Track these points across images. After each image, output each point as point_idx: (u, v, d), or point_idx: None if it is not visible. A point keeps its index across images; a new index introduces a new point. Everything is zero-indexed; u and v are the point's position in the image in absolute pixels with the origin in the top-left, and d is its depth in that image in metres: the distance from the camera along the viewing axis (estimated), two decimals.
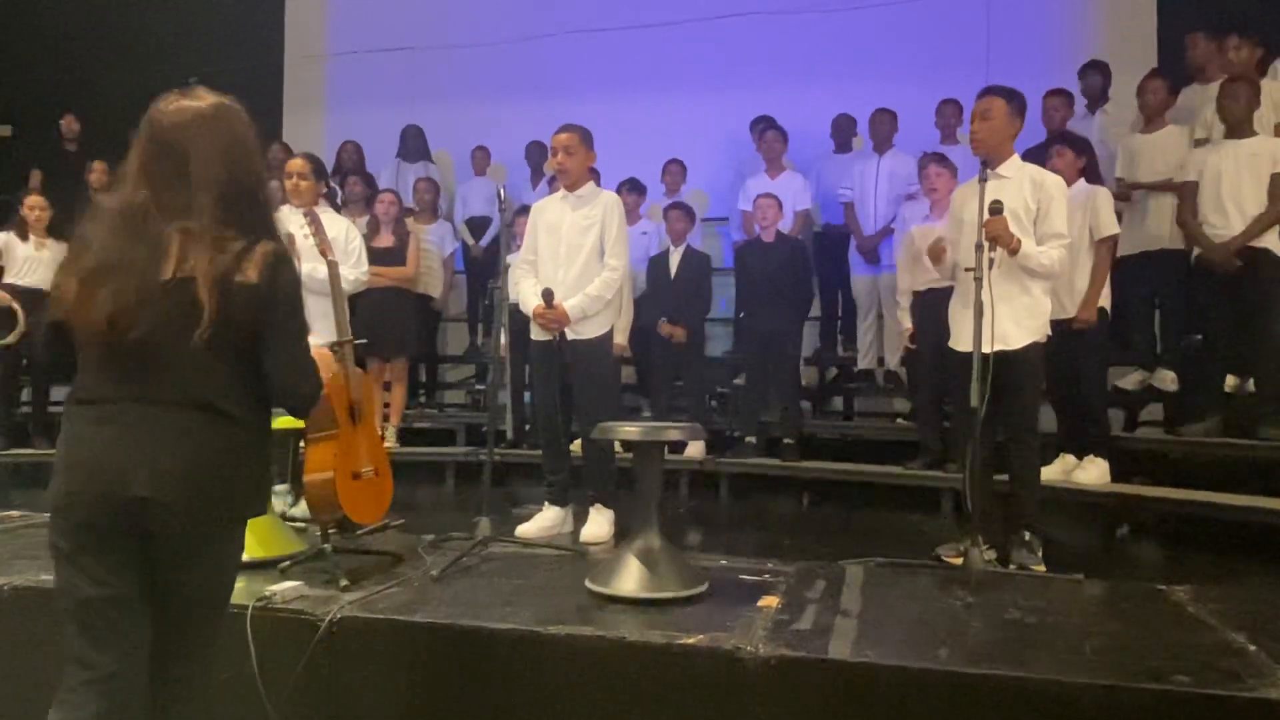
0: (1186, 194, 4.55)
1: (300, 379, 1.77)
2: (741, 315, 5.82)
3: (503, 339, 3.66)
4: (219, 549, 1.74)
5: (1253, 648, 2.16)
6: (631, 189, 6.16)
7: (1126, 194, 4.89)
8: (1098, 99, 5.41)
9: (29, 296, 5.58)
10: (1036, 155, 4.53)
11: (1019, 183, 3.44)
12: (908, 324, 5.07)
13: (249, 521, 2.93)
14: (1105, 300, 4.35)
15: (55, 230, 6.03)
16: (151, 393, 1.65)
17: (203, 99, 1.75)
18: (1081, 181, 4.35)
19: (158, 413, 1.65)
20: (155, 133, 1.71)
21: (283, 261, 1.72)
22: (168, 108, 1.72)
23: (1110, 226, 4.28)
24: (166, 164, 1.68)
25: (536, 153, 6.99)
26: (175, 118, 1.71)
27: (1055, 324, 4.19)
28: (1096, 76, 5.39)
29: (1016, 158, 3.53)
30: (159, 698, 1.73)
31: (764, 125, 6.33)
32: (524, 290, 3.96)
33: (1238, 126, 4.37)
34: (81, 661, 1.63)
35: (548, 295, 3.75)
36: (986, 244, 3.13)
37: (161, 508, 1.61)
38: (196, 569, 1.70)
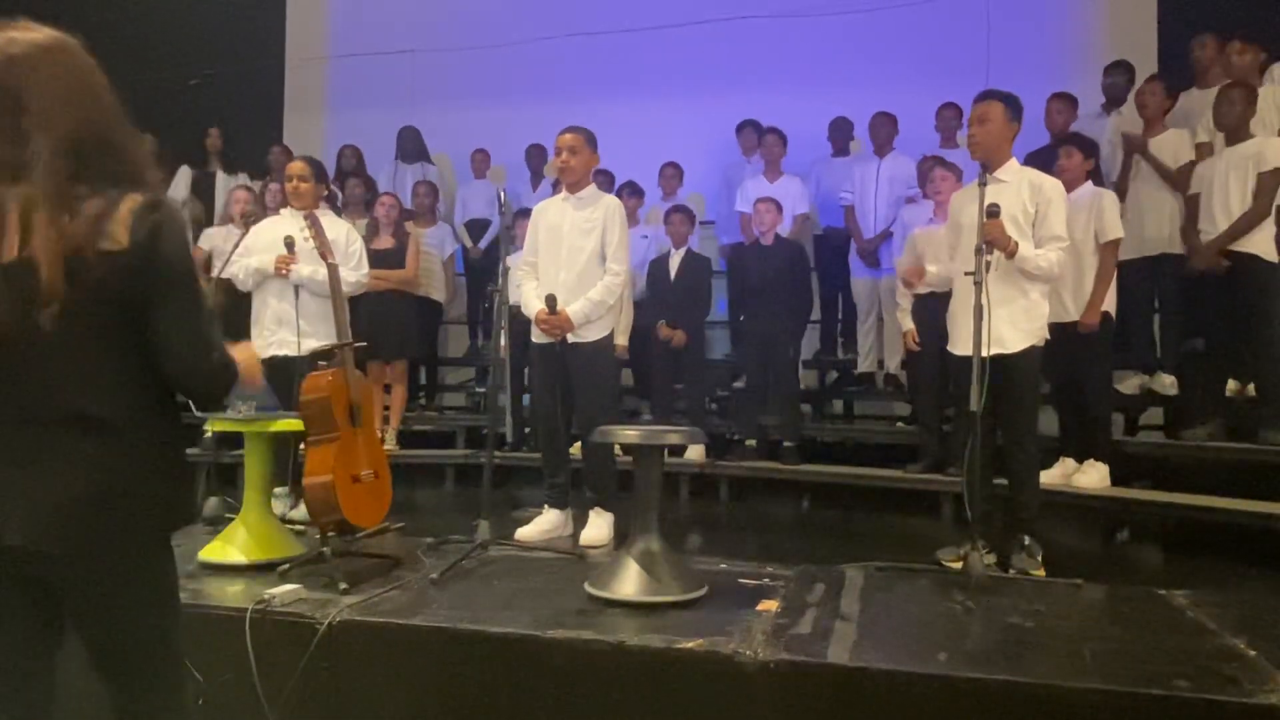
0: (1192, 208, 4.55)
1: (198, 354, 1.43)
2: (741, 318, 5.82)
3: (503, 341, 3.66)
4: (138, 585, 1.44)
5: (1252, 652, 2.16)
6: (631, 192, 6.16)
7: (1140, 146, 4.80)
8: (1119, 99, 5.36)
9: None
10: (1041, 158, 4.54)
11: (1017, 186, 3.45)
12: (908, 325, 5.07)
13: (249, 524, 2.97)
14: (1111, 304, 4.34)
15: None
16: (13, 410, 1.35)
17: (36, 29, 1.41)
18: (1088, 184, 4.35)
19: (24, 435, 1.35)
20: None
21: (159, 214, 1.38)
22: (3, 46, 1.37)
23: (1115, 230, 4.27)
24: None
25: (537, 156, 7.00)
26: (3, 52, 1.37)
27: (1059, 327, 4.22)
28: (1121, 76, 5.33)
29: (1014, 161, 3.53)
30: None
31: (751, 128, 6.34)
32: (526, 293, 3.96)
33: (1233, 133, 4.38)
34: None
35: (551, 301, 3.75)
36: (984, 247, 3.13)
37: (38, 557, 1.34)
38: (117, 613, 1.42)
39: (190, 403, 1.62)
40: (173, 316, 1.40)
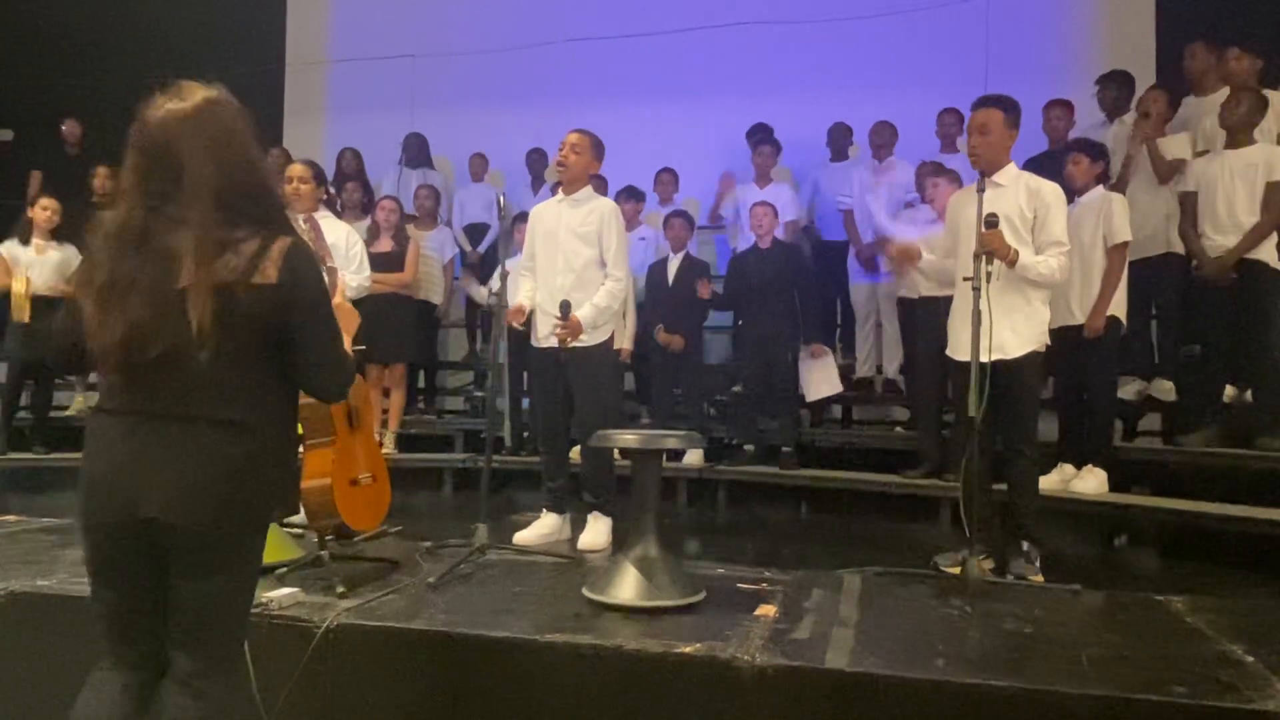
0: (1187, 204, 4.55)
1: (336, 374, 1.76)
2: (740, 323, 5.82)
3: (502, 346, 3.66)
4: (235, 559, 1.71)
5: (1250, 659, 2.16)
6: (629, 196, 6.17)
7: (1149, 137, 4.74)
8: (1117, 109, 5.34)
9: (34, 302, 5.59)
10: (1041, 164, 4.53)
11: (1015, 191, 3.45)
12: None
13: None
14: (1120, 308, 4.32)
15: (58, 234, 6.03)
16: (167, 408, 1.64)
17: (187, 98, 1.67)
18: (1099, 188, 4.35)
19: (171, 429, 1.63)
20: (143, 142, 1.66)
21: (301, 255, 1.68)
22: (154, 114, 1.66)
23: (1123, 233, 4.25)
24: (160, 174, 1.64)
25: (537, 160, 7.00)
26: (161, 124, 1.65)
27: (1066, 330, 4.22)
28: (1113, 88, 5.32)
29: (1013, 166, 3.53)
30: (167, 694, 1.69)
31: (760, 136, 6.35)
32: (522, 292, 3.96)
33: (1237, 136, 4.38)
34: (112, 654, 1.71)
35: (565, 307, 3.74)
36: (984, 257, 3.13)
37: (170, 528, 1.61)
38: (212, 579, 1.68)
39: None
40: (315, 339, 1.71)
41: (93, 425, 1.68)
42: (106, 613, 1.70)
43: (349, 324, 2.02)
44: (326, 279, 3.20)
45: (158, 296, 1.59)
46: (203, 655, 1.68)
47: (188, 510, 1.61)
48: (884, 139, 5.93)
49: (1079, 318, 4.28)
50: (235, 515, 1.66)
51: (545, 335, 3.91)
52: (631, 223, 5.99)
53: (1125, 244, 4.28)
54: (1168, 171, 4.64)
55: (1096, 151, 4.39)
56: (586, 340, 3.86)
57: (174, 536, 1.62)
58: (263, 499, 1.72)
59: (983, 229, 3.17)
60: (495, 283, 3.98)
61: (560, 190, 3.99)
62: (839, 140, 6.32)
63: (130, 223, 1.64)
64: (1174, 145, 4.71)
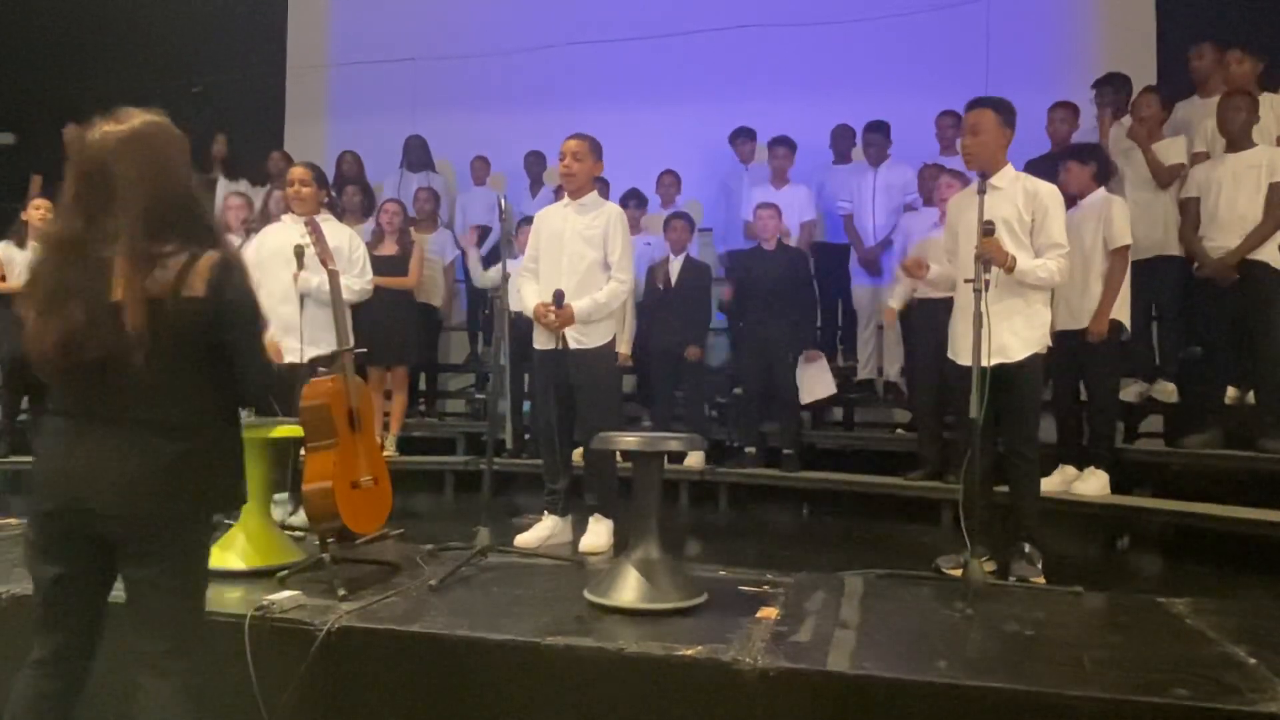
0: (1188, 210, 4.55)
1: (264, 382, 1.90)
2: (741, 325, 5.82)
3: (503, 348, 3.66)
4: (176, 548, 1.82)
5: (1253, 661, 2.16)
6: (638, 204, 6.18)
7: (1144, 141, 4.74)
8: (1115, 112, 5.33)
9: None
10: (1042, 166, 4.53)
11: (1013, 193, 3.44)
12: (894, 305, 5.18)
13: (248, 530, 2.97)
14: (1123, 312, 4.32)
15: None
16: (106, 411, 1.77)
17: (124, 121, 1.80)
18: (1100, 190, 4.35)
19: (110, 431, 1.77)
20: (81, 162, 1.78)
21: (229, 269, 1.81)
22: (93, 135, 1.78)
23: (1124, 236, 4.25)
24: (95, 191, 1.76)
25: (535, 162, 7.01)
26: (98, 144, 1.77)
27: (1067, 334, 4.21)
28: (1110, 90, 5.32)
29: (1010, 168, 3.52)
30: (138, 673, 1.84)
31: (745, 135, 6.36)
32: (526, 294, 3.97)
33: (1236, 140, 4.38)
34: (40, 645, 1.85)
35: (558, 296, 3.76)
36: (982, 265, 3.13)
37: (110, 519, 1.76)
38: (154, 566, 1.80)
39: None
40: (243, 348, 1.84)
41: (41, 426, 1.84)
42: (44, 592, 1.83)
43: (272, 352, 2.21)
44: (330, 281, 3.20)
45: (93, 305, 1.72)
46: (162, 638, 1.82)
47: (124, 504, 1.75)
48: (878, 142, 5.93)
49: (1080, 321, 4.28)
50: (171, 508, 1.79)
51: (547, 336, 3.92)
52: (635, 226, 5.98)
53: (1127, 247, 4.28)
54: (1167, 177, 4.64)
55: (1086, 154, 4.39)
56: (588, 342, 3.87)
57: (113, 527, 1.76)
58: (200, 494, 1.84)
59: (980, 236, 3.17)
60: (493, 272, 3.96)
61: (566, 196, 4.01)
62: (843, 143, 6.31)
63: (68, 236, 1.77)
64: (1170, 150, 4.72)
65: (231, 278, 1.81)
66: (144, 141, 1.80)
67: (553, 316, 3.79)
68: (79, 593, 1.84)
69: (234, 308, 1.81)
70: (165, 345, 1.74)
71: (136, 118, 1.82)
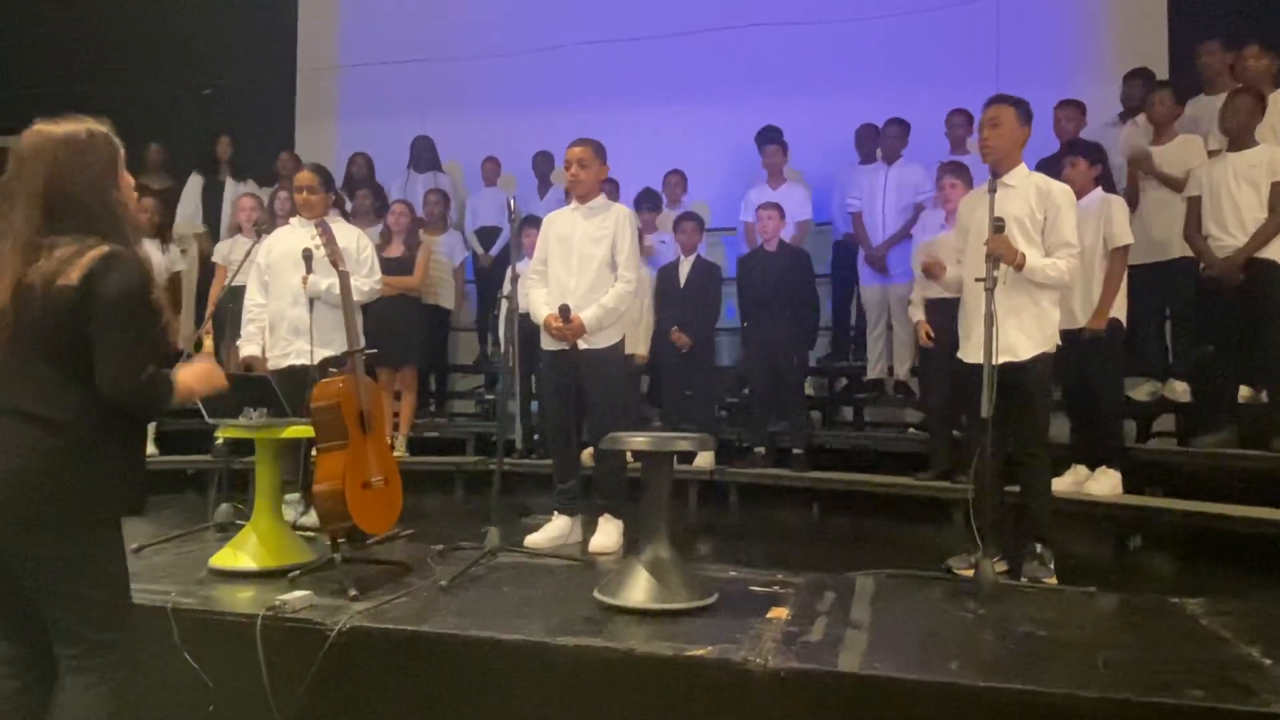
0: (1192, 209, 4.53)
1: (120, 377, 1.78)
2: (745, 325, 5.81)
3: (512, 349, 3.67)
4: (63, 553, 1.76)
5: (1267, 662, 2.15)
6: (651, 206, 6.17)
7: (1147, 165, 4.78)
8: (1137, 109, 5.31)
9: None
10: (1051, 165, 4.52)
11: (1025, 192, 3.43)
12: (919, 316, 5.00)
13: (260, 531, 2.98)
14: (1121, 310, 4.32)
15: None
16: None
17: (60, 124, 1.86)
18: (1097, 190, 4.34)
19: None
20: (10, 160, 1.84)
21: (112, 263, 1.78)
22: (26, 132, 1.86)
23: (1124, 236, 4.26)
24: (10, 183, 1.83)
25: (544, 163, 7.01)
26: (22, 141, 1.84)
27: (1068, 334, 4.19)
28: (1138, 85, 5.25)
29: (1023, 167, 3.52)
30: (60, 675, 1.82)
31: (768, 137, 6.34)
32: (535, 299, 3.98)
33: (1238, 138, 4.36)
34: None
35: (564, 310, 3.76)
36: (992, 261, 3.12)
37: None
38: (42, 572, 1.76)
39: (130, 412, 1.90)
40: (104, 343, 1.77)
41: None
42: None
43: (202, 382, 2.00)
44: (339, 283, 3.20)
45: None
46: (67, 643, 1.79)
47: None
48: (893, 140, 5.92)
49: (1080, 320, 4.27)
50: (46, 510, 1.73)
51: (554, 339, 3.92)
52: (649, 227, 5.98)
53: (1126, 247, 4.28)
54: (1179, 185, 4.63)
55: (1094, 154, 4.37)
56: (597, 342, 3.87)
57: None
58: (78, 496, 1.77)
59: (990, 233, 3.16)
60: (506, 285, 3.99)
61: (575, 200, 4.01)
62: (866, 143, 6.27)
63: None
64: (1182, 150, 4.69)
65: (111, 271, 1.78)
66: (68, 142, 1.84)
67: (559, 330, 3.79)
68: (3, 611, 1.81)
69: (103, 301, 1.76)
70: (34, 334, 1.74)
71: (73, 124, 1.87)
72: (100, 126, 1.91)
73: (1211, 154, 4.69)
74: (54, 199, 1.79)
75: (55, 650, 1.81)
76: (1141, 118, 5.14)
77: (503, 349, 4.61)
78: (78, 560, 1.78)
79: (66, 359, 1.77)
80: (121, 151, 1.94)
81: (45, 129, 1.85)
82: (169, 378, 1.89)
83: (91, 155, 1.86)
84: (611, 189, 5.74)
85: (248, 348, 4.36)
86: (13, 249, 1.76)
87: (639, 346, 5.48)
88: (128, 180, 1.96)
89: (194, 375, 1.97)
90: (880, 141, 5.98)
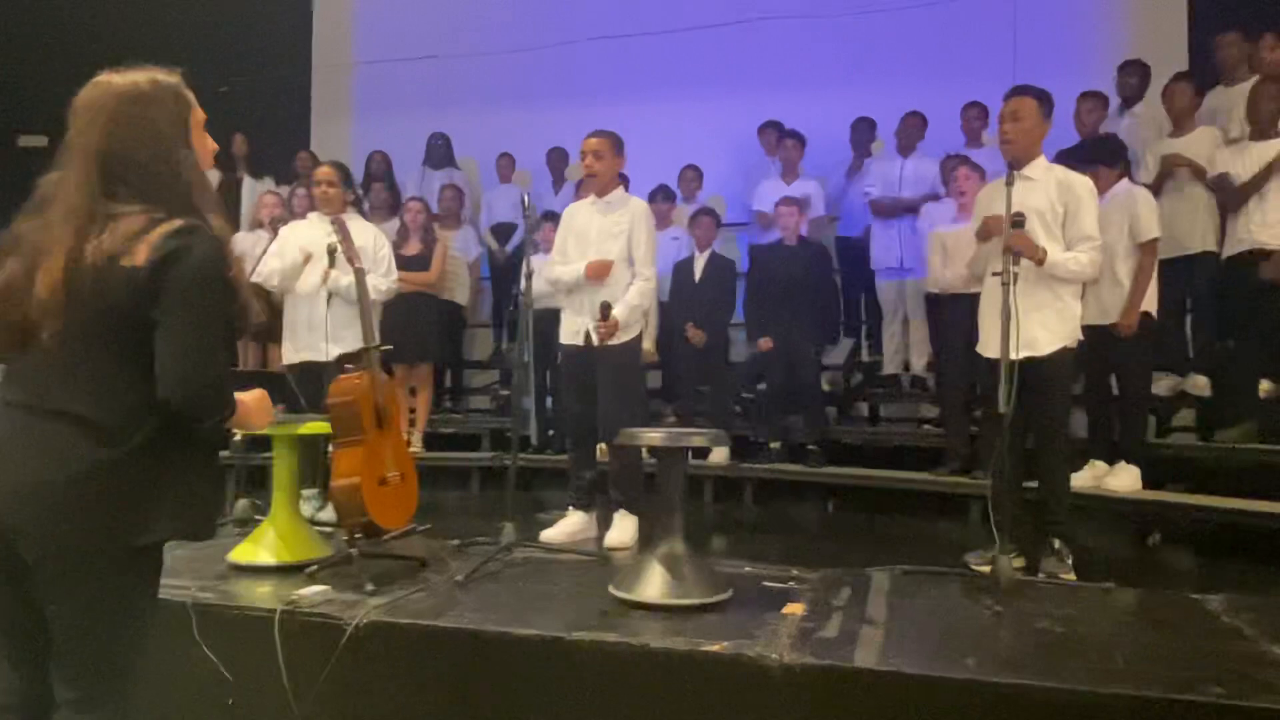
0: (1220, 186, 4.46)
1: (190, 378, 1.49)
2: (749, 312, 5.79)
3: (527, 344, 3.68)
4: (92, 583, 1.48)
5: None
6: (665, 198, 6.17)
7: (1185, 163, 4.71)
8: (1133, 99, 5.28)
9: None
10: (1071, 157, 4.47)
11: (1045, 185, 3.40)
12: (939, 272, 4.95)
13: (277, 526, 3.00)
14: (1152, 304, 4.27)
15: None
16: (32, 398, 1.49)
17: (127, 74, 1.59)
18: (1124, 181, 4.29)
19: (30, 422, 1.48)
20: (69, 118, 1.58)
21: (185, 241, 1.48)
22: (84, 89, 1.59)
23: (1151, 230, 4.20)
24: (65, 146, 1.56)
25: (558, 158, 7.02)
26: (86, 91, 1.58)
27: (1098, 328, 4.16)
28: (1132, 77, 5.26)
29: (1044, 159, 3.48)
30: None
31: (773, 129, 6.31)
32: (563, 271, 3.95)
33: (1263, 128, 4.30)
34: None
35: (605, 308, 3.77)
36: (1010, 256, 3.08)
37: (15, 532, 1.45)
38: (67, 602, 1.48)
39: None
40: (170, 332, 1.48)
41: None
42: None
43: (258, 414, 1.73)
44: (355, 279, 3.22)
45: (29, 265, 1.48)
46: (69, 684, 1.52)
47: (29, 514, 1.44)
48: (911, 132, 5.88)
49: (1108, 315, 4.23)
50: (85, 530, 1.45)
51: (573, 332, 3.93)
52: (664, 222, 5.98)
53: (1155, 240, 4.22)
54: (1205, 175, 4.57)
55: (1113, 156, 4.31)
56: (614, 338, 3.87)
57: (20, 544, 1.45)
58: (124, 519, 1.48)
59: (1010, 228, 3.12)
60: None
61: (592, 194, 4.01)
62: (910, 134, 6.19)
63: (44, 191, 1.55)
64: (1200, 141, 4.63)
65: (184, 250, 1.48)
66: (130, 92, 1.56)
67: (602, 329, 3.79)
68: (16, 636, 1.54)
69: (176, 287, 1.47)
70: (88, 323, 1.46)
71: (141, 74, 1.59)
72: (169, 77, 1.62)
73: (1230, 143, 4.64)
74: (111, 161, 1.51)
75: (57, 691, 1.54)
76: (1141, 107, 5.10)
77: (517, 344, 4.61)
78: (106, 592, 1.51)
79: (127, 355, 1.48)
80: (196, 108, 1.65)
81: (106, 79, 1.58)
82: (233, 395, 1.62)
83: (156, 109, 1.57)
84: (624, 183, 5.74)
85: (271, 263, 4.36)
86: (64, 220, 1.46)
87: (646, 342, 5.47)
88: (204, 142, 1.66)
89: (254, 401, 1.71)
90: (902, 129, 5.94)
